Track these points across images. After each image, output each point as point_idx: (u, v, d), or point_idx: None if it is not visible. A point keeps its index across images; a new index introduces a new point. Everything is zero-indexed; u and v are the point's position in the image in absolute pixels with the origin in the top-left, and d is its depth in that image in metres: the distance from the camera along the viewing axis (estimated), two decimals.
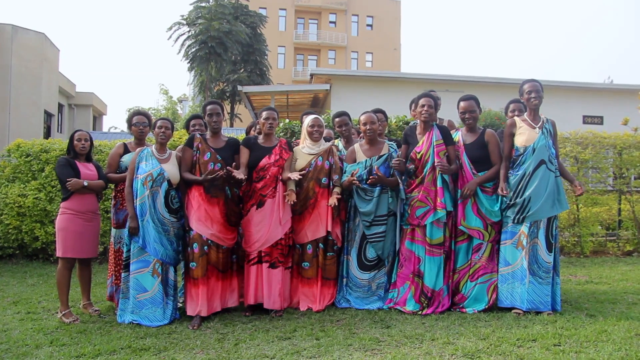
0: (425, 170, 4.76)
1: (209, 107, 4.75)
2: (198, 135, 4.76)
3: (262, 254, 4.67)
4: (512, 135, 4.77)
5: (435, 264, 4.70)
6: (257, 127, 5.52)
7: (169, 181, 4.55)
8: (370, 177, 4.75)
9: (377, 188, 4.83)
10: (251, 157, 4.75)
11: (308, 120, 4.98)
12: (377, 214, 4.84)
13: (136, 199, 4.48)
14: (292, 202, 4.71)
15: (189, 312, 4.48)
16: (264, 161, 4.73)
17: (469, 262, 4.77)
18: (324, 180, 4.86)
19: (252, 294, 4.66)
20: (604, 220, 8.69)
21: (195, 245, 4.52)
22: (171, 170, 4.60)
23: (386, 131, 7.82)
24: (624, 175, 8.65)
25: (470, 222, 4.73)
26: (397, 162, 4.77)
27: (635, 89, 14.26)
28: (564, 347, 3.58)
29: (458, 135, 4.96)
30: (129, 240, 4.50)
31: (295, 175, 4.61)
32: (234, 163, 4.66)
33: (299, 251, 4.92)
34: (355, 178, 4.75)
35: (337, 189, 4.86)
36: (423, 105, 4.82)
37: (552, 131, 4.73)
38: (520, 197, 4.60)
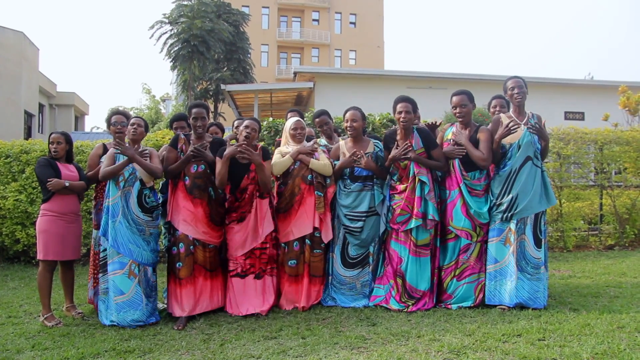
0: (409, 178, 4.73)
1: (194, 111, 4.64)
2: (182, 136, 4.71)
3: (247, 267, 4.67)
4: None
5: (421, 265, 4.70)
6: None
7: (141, 180, 4.50)
8: (357, 155, 4.76)
9: (358, 184, 4.86)
10: (232, 170, 4.62)
11: (290, 123, 4.96)
12: (356, 209, 4.86)
13: (109, 199, 4.42)
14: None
15: (175, 313, 4.44)
16: (244, 182, 4.68)
17: (456, 261, 4.75)
18: (309, 177, 4.84)
19: (238, 305, 4.64)
20: (586, 215, 8.79)
21: (181, 245, 4.50)
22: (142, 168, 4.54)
23: (370, 128, 7.87)
24: (605, 170, 8.77)
25: (458, 223, 4.72)
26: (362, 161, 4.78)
27: (615, 85, 14.44)
28: (548, 341, 3.61)
29: (450, 133, 4.89)
30: (104, 240, 4.45)
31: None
32: (205, 142, 4.65)
33: (285, 250, 4.88)
34: (356, 153, 4.77)
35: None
36: (400, 112, 4.72)
37: (537, 126, 4.73)
38: (508, 195, 4.60)
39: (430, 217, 4.66)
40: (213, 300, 4.68)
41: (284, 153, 4.92)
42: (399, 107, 4.75)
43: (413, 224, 4.66)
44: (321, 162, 4.87)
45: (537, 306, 4.49)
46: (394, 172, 4.88)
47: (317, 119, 5.40)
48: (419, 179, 4.67)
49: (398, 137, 4.84)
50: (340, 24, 41.76)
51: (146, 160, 4.51)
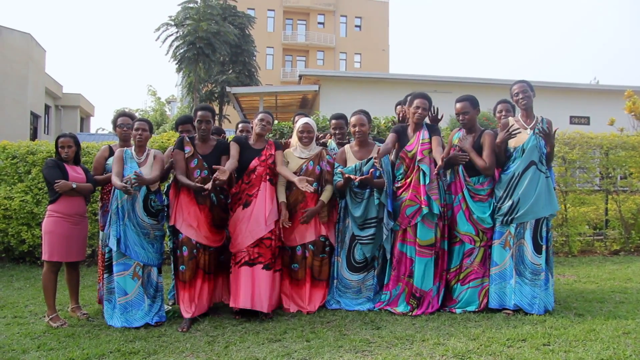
0: (415, 167, 4.76)
1: (199, 113, 4.66)
2: (187, 139, 4.72)
3: (255, 255, 4.61)
4: None
5: (425, 265, 4.69)
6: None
7: (147, 186, 4.53)
8: (356, 177, 4.71)
9: (367, 190, 4.83)
10: (242, 157, 4.72)
11: (298, 124, 4.97)
12: (367, 216, 4.85)
13: (117, 200, 4.45)
14: (288, 226, 4.75)
15: (183, 315, 4.48)
16: (254, 162, 4.72)
17: (460, 265, 4.76)
18: (314, 185, 4.84)
19: (246, 297, 4.52)
20: (592, 219, 8.76)
21: (185, 248, 4.53)
22: (148, 174, 4.56)
23: (375, 132, 7.87)
24: (610, 175, 8.73)
25: (462, 228, 4.73)
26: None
27: (620, 89, 14.38)
28: (553, 346, 3.60)
29: (457, 138, 4.87)
30: (110, 242, 4.47)
31: (304, 185, 4.51)
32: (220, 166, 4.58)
33: (289, 253, 4.91)
34: (348, 175, 4.71)
35: (324, 196, 4.90)
36: (418, 107, 4.79)
37: (546, 131, 4.70)
38: (509, 199, 4.60)
39: (432, 208, 4.66)
40: (212, 298, 4.81)
41: (288, 159, 4.92)
42: (417, 102, 4.81)
43: (423, 211, 4.64)
44: (328, 194, 4.94)
45: (535, 312, 4.46)
46: (399, 167, 4.89)
47: (334, 121, 5.38)
48: (420, 168, 4.70)
49: (409, 131, 4.89)
50: (346, 27, 41.82)
51: (150, 170, 4.58)
